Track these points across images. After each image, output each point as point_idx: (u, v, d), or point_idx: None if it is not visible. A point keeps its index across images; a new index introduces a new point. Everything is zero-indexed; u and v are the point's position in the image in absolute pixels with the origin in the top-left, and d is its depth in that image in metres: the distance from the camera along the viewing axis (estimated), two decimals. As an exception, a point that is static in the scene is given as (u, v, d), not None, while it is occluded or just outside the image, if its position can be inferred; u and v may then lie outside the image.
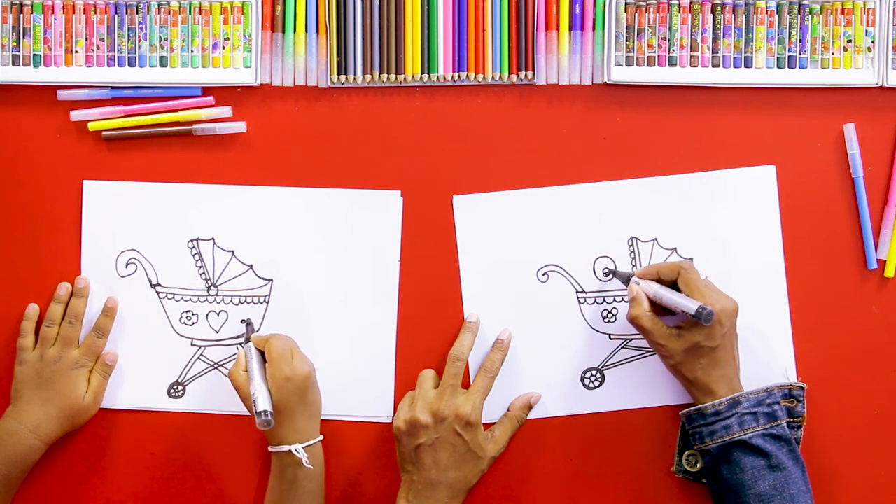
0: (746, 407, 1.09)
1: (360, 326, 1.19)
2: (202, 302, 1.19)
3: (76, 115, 1.19)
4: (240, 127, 1.20)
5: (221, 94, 1.20)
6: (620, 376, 1.19)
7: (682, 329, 1.10)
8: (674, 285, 1.12)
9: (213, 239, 1.20)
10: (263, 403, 1.07)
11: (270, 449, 1.11)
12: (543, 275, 1.19)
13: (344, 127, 1.20)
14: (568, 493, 1.19)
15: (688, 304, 1.07)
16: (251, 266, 1.20)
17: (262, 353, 1.13)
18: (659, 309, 1.12)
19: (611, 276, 1.18)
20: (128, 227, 1.20)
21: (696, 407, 1.10)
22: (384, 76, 1.19)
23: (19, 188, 1.20)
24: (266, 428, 1.07)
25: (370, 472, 1.19)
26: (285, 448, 1.10)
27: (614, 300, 1.19)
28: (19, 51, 1.19)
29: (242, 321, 1.19)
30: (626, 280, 1.15)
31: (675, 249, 1.19)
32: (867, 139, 1.19)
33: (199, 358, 1.20)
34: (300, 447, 1.10)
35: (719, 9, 1.18)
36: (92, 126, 1.19)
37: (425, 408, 1.13)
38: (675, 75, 1.19)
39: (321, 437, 1.13)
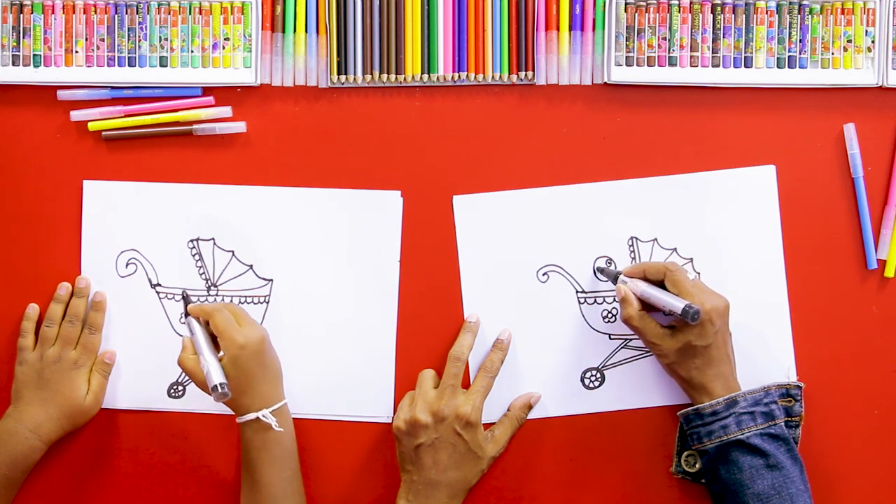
0: (744, 406, 1.09)
1: (360, 326, 1.19)
2: (202, 302, 1.19)
3: (76, 115, 1.19)
4: (240, 127, 1.20)
5: (221, 94, 1.20)
6: (620, 376, 1.19)
7: (675, 328, 1.10)
8: (664, 285, 1.12)
9: (213, 239, 1.20)
10: (217, 376, 1.06)
11: (238, 420, 1.10)
12: (543, 275, 1.19)
13: (344, 127, 1.20)
14: (568, 493, 1.19)
15: (674, 303, 1.08)
16: (251, 266, 1.20)
17: (205, 325, 1.11)
18: (653, 307, 1.12)
19: (601, 273, 1.18)
20: (128, 227, 1.20)
21: (694, 407, 1.10)
22: (384, 76, 1.19)
23: (19, 188, 1.20)
24: (224, 400, 1.05)
25: (370, 472, 1.19)
26: (253, 416, 1.09)
27: (614, 300, 1.19)
28: (19, 51, 1.19)
29: (182, 297, 1.18)
30: (615, 278, 1.15)
31: (674, 249, 1.19)
32: (867, 139, 1.19)
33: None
34: (267, 412, 1.09)
35: (719, 9, 1.18)
36: (92, 126, 1.20)
37: (425, 408, 1.13)
38: (675, 75, 1.19)
39: (285, 401, 1.13)
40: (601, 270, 1.18)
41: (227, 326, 1.09)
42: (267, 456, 1.10)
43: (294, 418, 1.16)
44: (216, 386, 1.05)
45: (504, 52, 1.19)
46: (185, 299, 1.17)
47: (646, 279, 1.13)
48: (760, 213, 1.19)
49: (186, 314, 1.14)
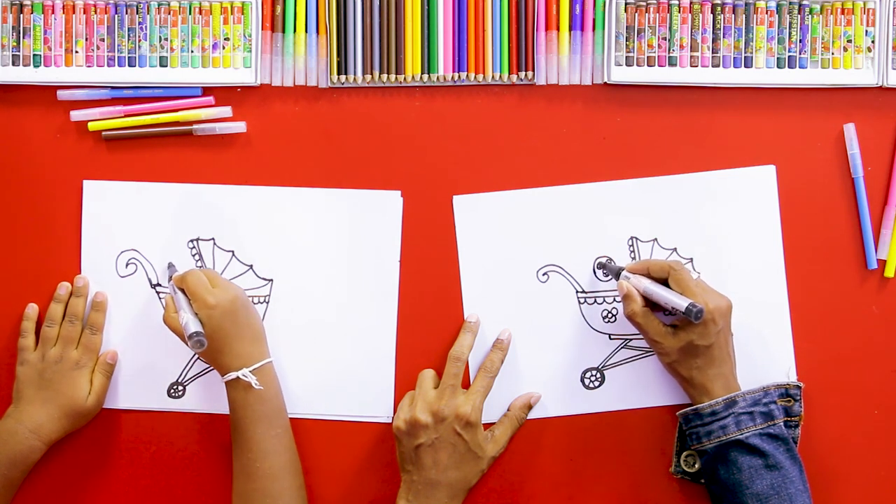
0: (743, 406, 1.09)
1: (360, 326, 1.19)
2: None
3: (76, 115, 1.19)
4: (240, 127, 1.20)
5: (221, 94, 1.20)
6: (620, 376, 1.19)
7: (677, 327, 1.10)
8: (666, 284, 1.12)
9: (213, 239, 1.20)
10: (194, 326, 1.07)
11: (223, 380, 1.12)
12: (543, 275, 1.19)
13: (344, 127, 1.20)
14: (568, 493, 1.19)
15: (678, 301, 1.07)
16: (251, 266, 1.20)
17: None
18: (655, 306, 1.12)
19: (602, 269, 1.18)
20: (128, 227, 1.20)
21: (693, 407, 1.10)
22: (384, 76, 1.19)
23: (19, 188, 1.20)
24: (200, 349, 1.06)
25: (370, 472, 1.19)
26: (233, 375, 1.10)
27: (614, 300, 1.19)
28: (19, 51, 1.19)
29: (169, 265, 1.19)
30: (617, 274, 1.15)
31: (675, 249, 1.19)
32: (867, 139, 1.19)
33: (198, 358, 1.20)
34: (247, 371, 1.11)
35: (719, 9, 1.18)
36: (92, 126, 1.20)
37: (425, 408, 1.13)
38: (675, 75, 1.19)
39: (269, 360, 1.13)
40: (603, 266, 1.18)
41: (196, 288, 1.11)
42: (252, 414, 1.11)
43: (294, 418, 1.16)
44: (192, 334, 1.06)
45: (504, 52, 1.19)
46: (171, 267, 1.18)
47: (649, 277, 1.13)
48: (760, 213, 1.19)
49: (169, 279, 1.15)
